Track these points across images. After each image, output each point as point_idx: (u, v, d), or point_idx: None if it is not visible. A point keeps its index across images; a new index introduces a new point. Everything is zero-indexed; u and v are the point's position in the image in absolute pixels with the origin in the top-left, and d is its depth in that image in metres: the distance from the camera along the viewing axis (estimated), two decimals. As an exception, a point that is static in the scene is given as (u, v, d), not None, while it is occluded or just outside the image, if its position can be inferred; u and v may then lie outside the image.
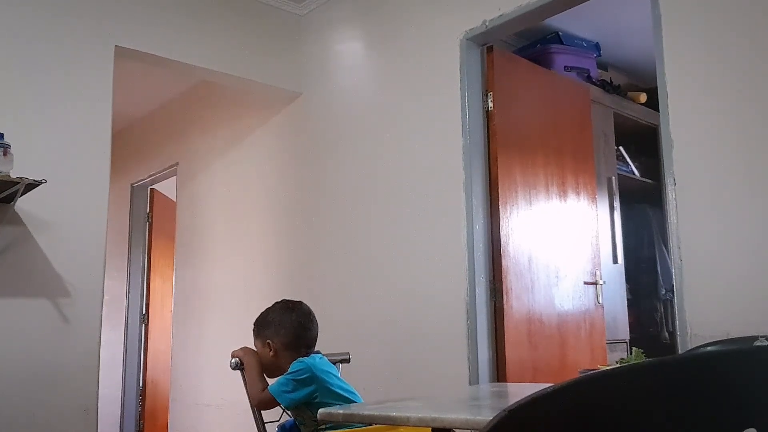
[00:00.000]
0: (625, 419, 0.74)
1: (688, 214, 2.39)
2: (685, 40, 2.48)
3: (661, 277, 4.51)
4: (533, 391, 0.73)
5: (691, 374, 0.77)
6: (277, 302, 2.47)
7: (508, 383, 2.91)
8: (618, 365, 1.71)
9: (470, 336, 3.03)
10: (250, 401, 2.33)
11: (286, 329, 2.35)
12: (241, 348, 2.41)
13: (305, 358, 2.28)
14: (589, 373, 0.82)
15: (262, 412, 2.35)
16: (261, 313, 2.45)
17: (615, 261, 3.98)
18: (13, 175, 2.80)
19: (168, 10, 3.68)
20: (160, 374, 5.56)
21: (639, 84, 4.70)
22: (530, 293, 3.23)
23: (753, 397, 0.80)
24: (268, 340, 2.35)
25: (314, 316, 2.44)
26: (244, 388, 2.38)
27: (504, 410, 0.72)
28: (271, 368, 2.35)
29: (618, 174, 4.23)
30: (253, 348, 2.41)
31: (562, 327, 3.35)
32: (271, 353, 2.34)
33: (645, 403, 0.74)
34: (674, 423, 0.76)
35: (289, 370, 2.24)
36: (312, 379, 2.21)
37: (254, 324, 2.44)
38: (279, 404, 2.25)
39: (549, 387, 0.73)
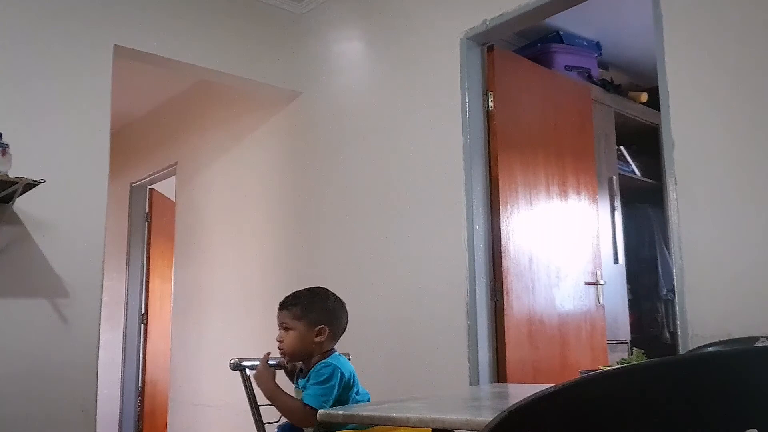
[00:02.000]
0: (626, 420, 0.74)
1: (689, 213, 2.38)
2: (686, 40, 2.47)
3: (662, 278, 4.50)
4: (534, 392, 0.72)
5: (692, 375, 0.77)
6: (326, 289, 2.43)
7: (509, 384, 2.91)
8: (619, 366, 1.70)
9: (470, 336, 3.02)
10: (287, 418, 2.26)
11: (341, 323, 2.37)
12: (257, 375, 2.32)
13: (331, 360, 2.26)
14: (590, 373, 0.81)
15: (261, 412, 2.34)
16: (311, 294, 2.40)
17: (616, 261, 3.97)
18: (12, 174, 2.79)
19: (167, 10, 3.68)
20: (159, 374, 5.56)
21: (640, 83, 4.69)
22: (531, 293, 3.22)
23: (754, 397, 0.79)
24: (323, 326, 2.30)
25: None
26: (243, 389, 2.37)
27: (504, 411, 0.71)
28: (303, 353, 2.31)
29: (619, 174, 4.23)
30: (265, 360, 2.34)
31: (562, 327, 3.35)
32: (317, 339, 2.29)
33: (646, 404, 0.74)
34: (675, 424, 0.75)
35: (323, 377, 2.20)
36: (341, 381, 2.22)
37: (302, 301, 2.36)
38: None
39: (549, 388, 0.73)
